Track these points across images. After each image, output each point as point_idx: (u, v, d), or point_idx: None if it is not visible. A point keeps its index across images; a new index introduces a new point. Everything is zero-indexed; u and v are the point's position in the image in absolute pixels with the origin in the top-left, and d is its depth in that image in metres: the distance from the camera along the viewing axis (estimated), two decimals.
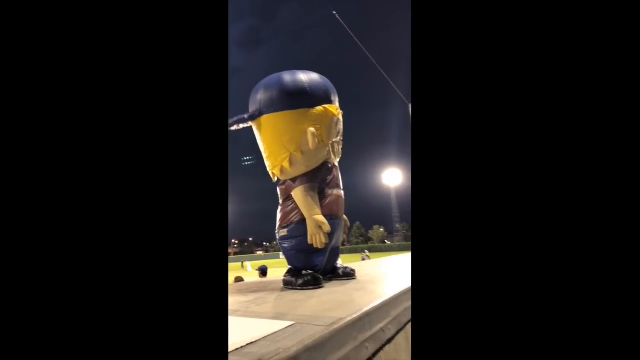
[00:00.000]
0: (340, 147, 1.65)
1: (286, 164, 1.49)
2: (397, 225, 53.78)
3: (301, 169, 1.51)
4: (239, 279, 4.40)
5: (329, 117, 1.51)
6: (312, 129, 1.45)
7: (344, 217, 1.67)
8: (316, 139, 1.44)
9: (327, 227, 1.41)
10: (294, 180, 1.53)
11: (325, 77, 1.64)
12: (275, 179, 1.62)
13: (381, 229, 58.94)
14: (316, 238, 1.42)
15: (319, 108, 1.50)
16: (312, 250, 1.46)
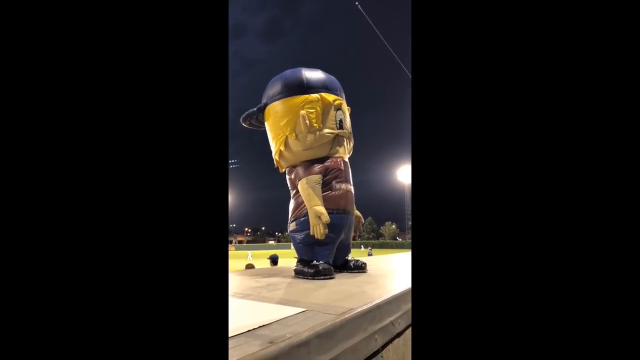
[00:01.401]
0: (351, 144, 1.69)
1: (282, 147, 1.59)
2: (410, 223, 53.21)
3: (298, 154, 1.58)
4: (249, 266, 4.61)
5: (324, 103, 1.56)
6: (303, 112, 1.53)
7: (357, 213, 1.66)
8: (307, 121, 1.51)
9: (325, 218, 1.44)
10: (298, 171, 1.58)
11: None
12: (284, 170, 1.69)
13: (393, 226, 58.50)
14: (316, 229, 1.44)
15: (314, 95, 1.56)
16: (318, 244, 1.48)
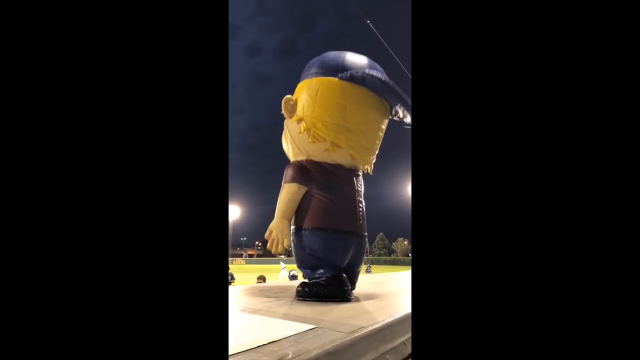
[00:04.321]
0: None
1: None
2: None
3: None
4: (261, 278, 4.73)
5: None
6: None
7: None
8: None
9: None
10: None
11: None
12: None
13: (405, 242, 57.28)
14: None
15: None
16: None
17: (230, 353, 0.56)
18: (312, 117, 1.31)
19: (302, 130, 1.31)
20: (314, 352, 0.58)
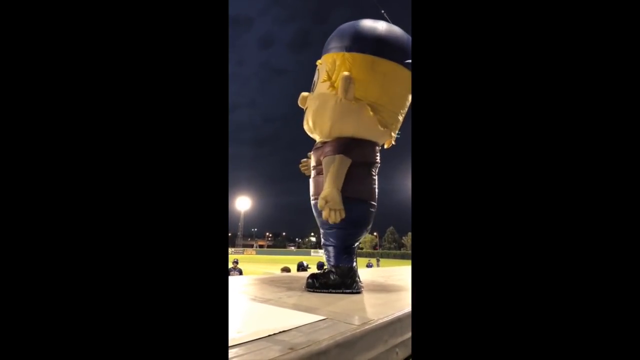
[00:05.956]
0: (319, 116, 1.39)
1: None
2: None
3: None
4: (285, 269, 4.88)
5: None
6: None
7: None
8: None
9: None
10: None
11: None
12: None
13: None
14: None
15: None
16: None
17: (241, 341, 0.57)
18: (378, 104, 1.33)
19: (370, 114, 1.31)
20: (324, 343, 0.58)
